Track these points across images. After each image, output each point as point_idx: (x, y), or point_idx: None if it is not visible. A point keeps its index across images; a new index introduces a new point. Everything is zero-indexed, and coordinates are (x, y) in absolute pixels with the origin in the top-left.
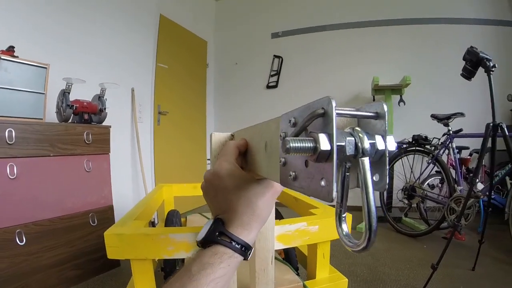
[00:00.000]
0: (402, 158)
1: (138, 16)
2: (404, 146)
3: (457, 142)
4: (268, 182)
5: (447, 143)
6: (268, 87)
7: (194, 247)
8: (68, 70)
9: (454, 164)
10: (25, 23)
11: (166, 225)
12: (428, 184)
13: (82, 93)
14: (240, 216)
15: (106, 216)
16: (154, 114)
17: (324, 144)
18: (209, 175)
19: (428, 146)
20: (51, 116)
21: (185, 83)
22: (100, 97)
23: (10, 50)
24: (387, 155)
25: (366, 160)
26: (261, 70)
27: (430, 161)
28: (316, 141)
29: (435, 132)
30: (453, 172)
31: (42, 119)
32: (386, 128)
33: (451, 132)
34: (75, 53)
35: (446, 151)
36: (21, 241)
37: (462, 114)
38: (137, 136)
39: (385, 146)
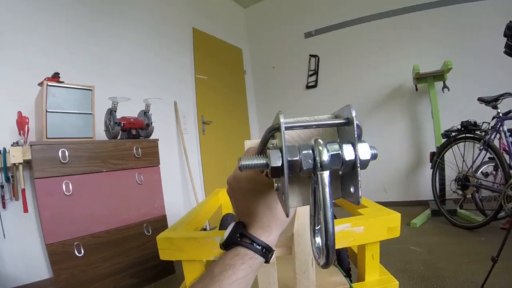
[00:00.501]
0: (453, 147)
1: (172, 33)
2: (453, 134)
3: (508, 124)
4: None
5: (498, 126)
6: (308, 87)
7: None
8: (113, 90)
9: (507, 148)
10: (68, 49)
11: (220, 229)
12: (481, 172)
13: (128, 110)
14: (260, 218)
15: (160, 225)
16: (198, 124)
17: (274, 160)
18: (230, 180)
19: (478, 132)
20: (101, 134)
21: (225, 92)
22: (145, 113)
23: (56, 77)
24: (358, 165)
25: (324, 174)
26: (298, 71)
27: (481, 147)
28: (268, 157)
29: (484, 116)
30: (507, 157)
31: (92, 137)
32: (356, 135)
33: (500, 114)
34: (117, 73)
35: (498, 135)
36: (80, 252)
37: (510, 95)
38: (184, 147)
39: (355, 156)
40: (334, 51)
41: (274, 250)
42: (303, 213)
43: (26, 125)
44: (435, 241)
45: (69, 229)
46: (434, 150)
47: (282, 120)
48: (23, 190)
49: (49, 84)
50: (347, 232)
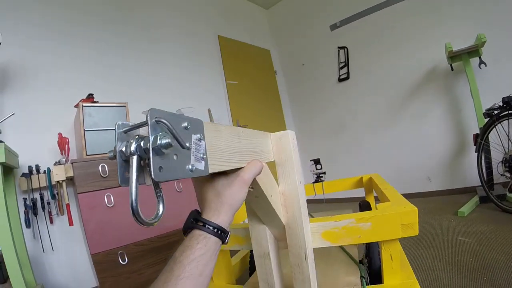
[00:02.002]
0: (496, 127)
1: (199, 43)
2: (496, 112)
3: None
4: (236, 174)
5: None
6: (340, 80)
7: (247, 241)
8: (146, 104)
9: None
10: (100, 69)
11: None
12: None
13: None
14: (209, 203)
15: None
16: None
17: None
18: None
19: None
20: None
21: (258, 94)
22: None
23: (90, 97)
24: (150, 150)
25: (133, 159)
26: (329, 65)
27: None
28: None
29: None
30: None
31: None
32: (149, 130)
33: None
34: (149, 88)
35: None
36: (124, 260)
37: None
38: None
39: (148, 145)
40: (362, 40)
41: (228, 231)
42: (292, 204)
43: (67, 145)
44: (484, 230)
45: (113, 239)
46: (477, 132)
47: (116, 125)
48: (68, 205)
49: (84, 105)
50: (351, 228)
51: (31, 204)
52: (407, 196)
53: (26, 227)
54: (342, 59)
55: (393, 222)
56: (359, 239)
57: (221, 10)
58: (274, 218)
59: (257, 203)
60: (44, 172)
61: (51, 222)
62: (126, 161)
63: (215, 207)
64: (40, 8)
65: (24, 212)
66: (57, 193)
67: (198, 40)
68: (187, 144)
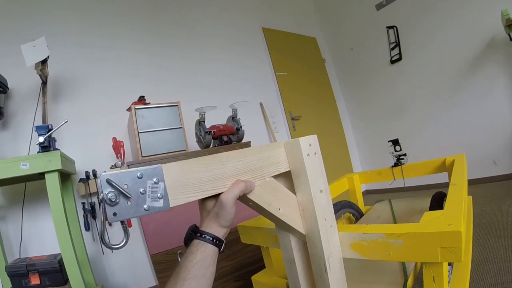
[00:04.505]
0: None
1: (244, 38)
2: None
3: None
4: (218, 198)
5: None
6: (392, 61)
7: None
8: (199, 102)
9: None
10: (150, 71)
11: None
12: None
13: (216, 118)
14: (203, 219)
15: None
16: (287, 121)
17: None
18: None
19: None
20: (194, 145)
21: (308, 84)
22: (233, 118)
23: (142, 100)
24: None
25: (101, 206)
26: (379, 47)
27: None
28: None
29: None
30: None
31: (185, 150)
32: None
33: None
34: (201, 86)
35: None
36: None
37: None
38: None
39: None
40: (410, 16)
41: (223, 240)
42: (309, 214)
43: (122, 148)
44: None
45: (172, 238)
46: None
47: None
48: None
49: (136, 107)
50: (380, 243)
51: (90, 208)
52: (471, 182)
53: (86, 230)
54: (392, 39)
55: (430, 242)
56: (390, 256)
57: (264, 0)
58: (290, 229)
59: (266, 215)
60: None
61: (110, 224)
62: None
63: (208, 223)
64: (87, 17)
65: (83, 216)
66: None
67: (243, 34)
68: (141, 190)
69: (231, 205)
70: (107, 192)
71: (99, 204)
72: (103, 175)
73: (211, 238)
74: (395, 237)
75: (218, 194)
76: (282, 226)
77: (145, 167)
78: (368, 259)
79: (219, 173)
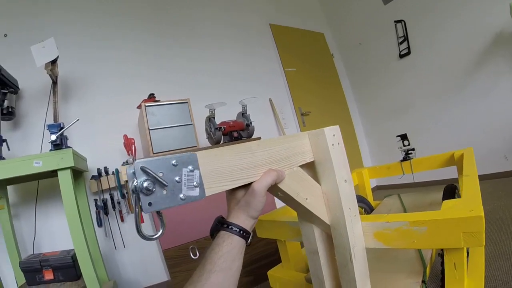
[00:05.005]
0: None
1: (252, 35)
2: None
3: None
4: (250, 187)
5: None
6: (401, 56)
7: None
8: (208, 99)
9: None
10: (160, 69)
11: None
12: None
13: (226, 115)
14: (231, 210)
15: None
16: (297, 116)
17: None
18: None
19: None
20: (204, 142)
21: (317, 79)
22: (243, 114)
23: (152, 97)
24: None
25: (133, 196)
26: (387, 42)
27: None
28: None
29: None
30: None
31: (196, 146)
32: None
33: None
34: (210, 83)
35: None
36: (195, 255)
37: None
38: None
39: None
40: (418, 10)
41: (250, 232)
42: (334, 204)
43: (133, 145)
44: None
45: (184, 234)
46: None
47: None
48: None
49: (147, 105)
50: (404, 231)
51: (102, 205)
52: (482, 177)
53: (98, 226)
54: (401, 34)
55: (452, 228)
56: (414, 244)
57: None
58: (315, 219)
59: (292, 206)
60: (113, 173)
61: (122, 220)
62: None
63: (236, 213)
64: (95, 18)
65: (96, 212)
66: (126, 193)
67: (251, 31)
68: (177, 178)
69: (263, 194)
70: (142, 181)
71: (111, 200)
72: (137, 162)
73: (238, 230)
74: (419, 224)
75: (248, 184)
76: (307, 216)
77: (179, 154)
78: (389, 248)
79: (250, 162)
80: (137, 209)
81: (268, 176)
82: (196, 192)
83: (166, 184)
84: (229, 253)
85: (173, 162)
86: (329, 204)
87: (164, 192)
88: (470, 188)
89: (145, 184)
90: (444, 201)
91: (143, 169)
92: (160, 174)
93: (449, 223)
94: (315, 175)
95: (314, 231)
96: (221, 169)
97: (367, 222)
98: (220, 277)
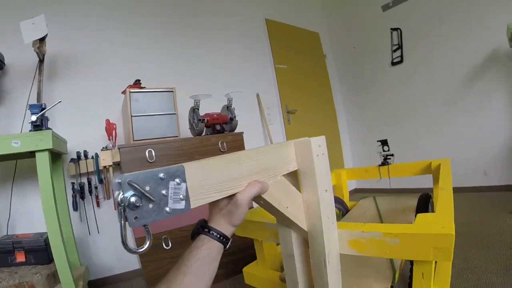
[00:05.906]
0: None
1: (246, 28)
2: None
3: None
4: (234, 197)
5: None
6: (393, 63)
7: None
8: (194, 89)
9: None
10: (147, 55)
11: None
12: None
13: (211, 107)
14: (213, 216)
15: None
16: (283, 114)
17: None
18: None
19: None
20: (186, 132)
21: (307, 78)
22: (228, 107)
23: (137, 83)
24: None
25: (120, 209)
26: (381, 48)
27: None
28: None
29: None
30: None
31: (177, 136)
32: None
33: None
34: (198, 73)
35: None
36: (167, 245)
37: None
38: (270, 138)
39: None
40: (416, 20)
41: (230, 239)
42: (314, 212)
43: (114, 131)
44: None
45: (157, 223)
46: None
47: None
48: None
49: (131, 91)
50: (378, 241)
51: (79, 188)
52: (460, 190)
53: (74, 210)
54: (396, 41)
55: (424, 243)
56: (386, 254)
57: None
58: (294, 225)
59: (273, 212)
60: (92, 157)
61: (98, 205)
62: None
63: (218, 220)
64: None
65: (72, 196)
66: (104, 178)
67: (246, 24)
68: (163, 192)
69: (246, 205)
70: (129, 196)
71: (89, 184)
72: (124, 176)
73: (218, 236)
74: (392, 236)
75: (232, 194)
76: (286, 222)
77: (167, 167)
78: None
79: (236, 172)
80: (122, 222)
81: (252, 188)
82: (182, 205)
83: (154, 199)
84: (206, 257)
85: (161, 175)
86: (308, 212)
87: (151, 206)
88: (445, 203)
89: (132, 200)
90: (418, 215)
91: (130, 184)
92: (147, 188)
93: (421, 237)
94: (296, 183)
95: (291, 235)
96: (207, 181)
97: (344, 230)
98: (193, 280)
